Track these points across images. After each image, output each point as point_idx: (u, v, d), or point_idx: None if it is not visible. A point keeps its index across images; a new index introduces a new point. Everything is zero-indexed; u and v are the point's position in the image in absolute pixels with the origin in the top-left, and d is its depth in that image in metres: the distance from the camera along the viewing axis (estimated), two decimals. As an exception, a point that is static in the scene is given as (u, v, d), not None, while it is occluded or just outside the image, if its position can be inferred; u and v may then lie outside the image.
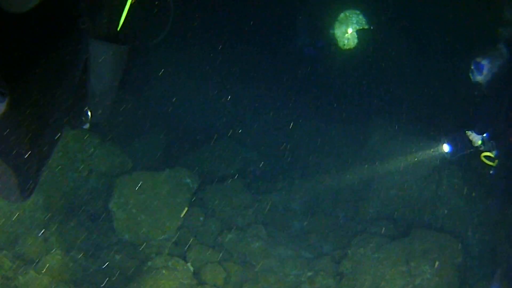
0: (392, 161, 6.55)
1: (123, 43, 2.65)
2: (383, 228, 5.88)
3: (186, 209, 5.96)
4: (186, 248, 5.61)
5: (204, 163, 7.15)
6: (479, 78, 4.71)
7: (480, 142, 4.69)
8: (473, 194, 6.00)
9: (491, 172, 4.67)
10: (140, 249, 5.60)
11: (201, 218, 6.08)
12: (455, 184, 6.28)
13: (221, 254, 5.54)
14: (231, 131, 7.61)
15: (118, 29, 2.61)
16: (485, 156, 4.66)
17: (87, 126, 2.86)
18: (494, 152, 4.60)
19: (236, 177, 6.89)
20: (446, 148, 5.00)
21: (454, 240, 5.46)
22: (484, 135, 4.65)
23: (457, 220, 6.04)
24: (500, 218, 4.53)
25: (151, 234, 5.77)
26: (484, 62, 4.63)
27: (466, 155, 5.03)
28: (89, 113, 2.56)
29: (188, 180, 6.24)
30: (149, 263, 5.30)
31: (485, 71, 4.66)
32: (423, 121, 7.01)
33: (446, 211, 6.13)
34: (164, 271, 5.12)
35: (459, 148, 4.89)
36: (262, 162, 7.55)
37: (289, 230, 6.25)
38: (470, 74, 4.78)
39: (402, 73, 7.90)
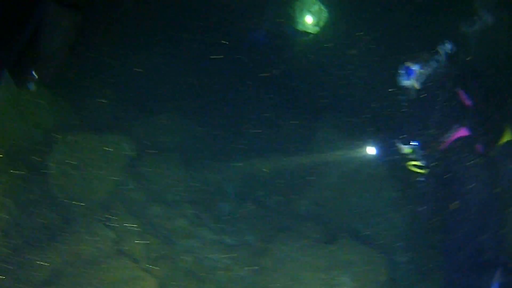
0: (332, 161, 6.62)
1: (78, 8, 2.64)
2: (311, 229, 5.88)
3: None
4: (111, 215, 5.56)
5: (148, 133, 7.12)
6: (406, 82, 4.80)
7: (409, 150, 4.71)
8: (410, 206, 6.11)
9: (420, 179, 4.70)
10: (69, 209, 5.59)
11: (132, 187, 6.09)
12: (391, 194, 6.45)
13: (144, 227, 5.52)
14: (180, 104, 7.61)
15: None
16: (414, 165, 4.69)
17: (32, 86, 2.86)
18: (422, 161, 4.63)
19: (176, 151, 6.92)
20: (373, 150, 5.08)
21: (382, 255, 5.47)
22: (414, 143, 4.63)
23: (388, 232, 6.12)
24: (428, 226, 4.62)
25: (81, 195, 5.76)
26: (414, 68, 4.75)
27: (396, 161, 5.03)
28: (34, 73, 2.57)
29: (127, 147, 6.23)
30: (74, 225, 5.31)
31: (413, 77, 4.75)
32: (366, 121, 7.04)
33: (378, 221, 6.26)
34: (86, 236, 5.15)
35: (385, 153, 4.98)
36: (206, 140, 7.59)
37: (217, 213, 6.23)
38: (398, 78, 4.87)
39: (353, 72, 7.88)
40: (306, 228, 5.91)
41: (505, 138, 4.47)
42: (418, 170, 4.68)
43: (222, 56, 7.55)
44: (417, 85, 4.73)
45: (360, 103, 7.42)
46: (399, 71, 4.86)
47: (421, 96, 4.61)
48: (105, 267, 4.86)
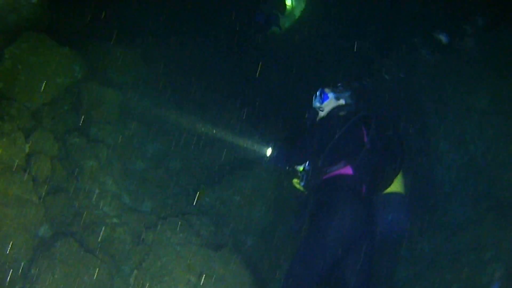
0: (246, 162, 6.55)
1: None
2: (204, 228, 5.86)
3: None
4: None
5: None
6: (317, 105, 5.01)
7: (301, 168, 4.87)
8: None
9: (299, 198, 4.94)
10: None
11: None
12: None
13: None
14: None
15: None
16: (297, 182, 4.88)
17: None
18: (304, 183, 4.76)
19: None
20: (268, 152, 5.15)
21: (251, 275, 5.55)
22: (306, 164, 4.80)
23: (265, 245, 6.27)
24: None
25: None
26: (330, 95, 4.96)
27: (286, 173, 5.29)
28: None
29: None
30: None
31: (325, 103, 4.96)
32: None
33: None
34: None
35: (277, 160, 5.06)
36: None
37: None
38: (313, 97, 5.05)
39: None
40: (198, 222, 5.88)
41: (391, 189, 4.68)
42: (299, 187, 4.84)
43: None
44: (325, 111, 4.93)
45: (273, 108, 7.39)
46: (316, 93, 5.04)
47: (324, 123, 4.77)
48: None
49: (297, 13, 8.90)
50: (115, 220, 5.51)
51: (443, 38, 6.91)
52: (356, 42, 7.44)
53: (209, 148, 6.39)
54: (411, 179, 5.64)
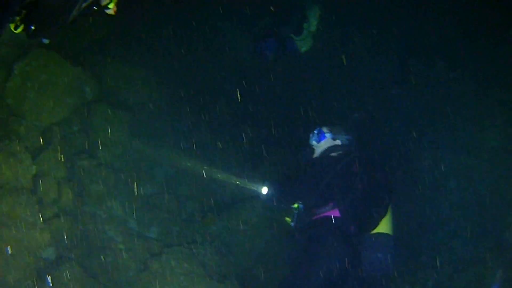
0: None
1: None
2: (209, 257, 5.81)
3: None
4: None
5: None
6: (314, 143, 5.11)
7: (296, 205, 4.98)
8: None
9: (289, 234, 5.09)
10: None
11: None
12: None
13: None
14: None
15: None
16: (287, 219, 5.03)
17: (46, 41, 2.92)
18: (292, 223, 4.95)
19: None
20: (264, 190, 5.22)
21: None
22: (299, 202, 4.94)
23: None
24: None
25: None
26: (327, 135, 5.07)
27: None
28: (33, 27, 2.64)
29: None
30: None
31: (322, 142, 5.06)
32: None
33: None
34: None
35: (271, 199, 5.17)
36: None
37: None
38: (310, 135, 5.14)
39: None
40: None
41: (377, 230, 4.73)
42: (289, 222, 4.99)
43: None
44: (320, 150, 5.05)
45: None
46: (313, 131, 5.15)
47: (317, 163, 4.95)
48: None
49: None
50: (120, 245, 5.42)
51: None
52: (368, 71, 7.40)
53: (218, 178, 6.29)
54: (405, 218, 5.71)
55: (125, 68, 6.46)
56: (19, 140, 5.13)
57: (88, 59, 6.07)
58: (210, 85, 7.08)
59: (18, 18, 2.64)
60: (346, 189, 4.62)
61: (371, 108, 7.12)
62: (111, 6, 2.93)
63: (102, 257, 5.23)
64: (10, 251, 4.67)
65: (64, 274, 4.87)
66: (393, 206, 4.84)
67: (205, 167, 6.04)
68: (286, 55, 7.18)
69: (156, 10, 6.66)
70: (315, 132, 5.11)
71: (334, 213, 4.60)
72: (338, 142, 5.04)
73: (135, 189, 5.85)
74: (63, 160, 5.46)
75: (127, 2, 3.10)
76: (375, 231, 4.73)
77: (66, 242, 5.14)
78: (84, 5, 2.79)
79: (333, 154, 4.91)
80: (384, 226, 4.77)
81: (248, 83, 6.98)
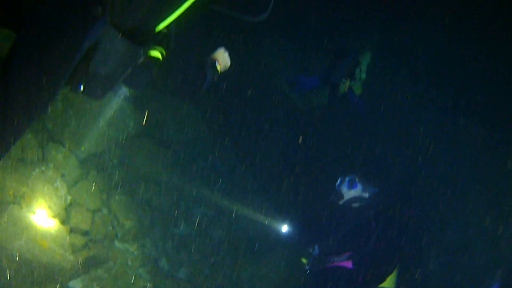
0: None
1: (141, 43, 2.74)
2: None
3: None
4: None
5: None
6: (344, 190, 5.13)
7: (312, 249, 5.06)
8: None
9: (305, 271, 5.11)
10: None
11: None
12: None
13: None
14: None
15: (157, 29, 2.76)
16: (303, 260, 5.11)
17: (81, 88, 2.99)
18: (307, 266, 5.03)
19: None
20: (284, 229, 5.45)
21: None
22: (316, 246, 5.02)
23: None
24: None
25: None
26: (359, 186, 5.11)
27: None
28: (82, 87, 2.77)
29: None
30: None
31: (352, 191, 5.10)
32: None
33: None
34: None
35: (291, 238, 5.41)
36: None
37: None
38: (341, 180, 5.19)
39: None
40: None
41: (385, 284, 4.78)
42: (306, 266, 5.07)
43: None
44: (347, 198, 5.11)
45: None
46: (344, 178, 5.21)
47: (340, 212, 5.05)
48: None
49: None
50: (149, 284, 5.27)
51: None
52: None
53: (254, 221, 6.18)
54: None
55: (172, 104, 6.38)
56: (56, 167, 5.08)
57: (134, 92, 6.06)
58: (256, 129, 6.96)
59: None
60: (362, 243, 4.75)
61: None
62: (158, 55, 2.95)
63: (129, 294, 5.08)
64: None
65: (89, 307, 4.76)
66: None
67: (242, 210, 5.94)
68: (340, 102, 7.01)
69: (204, 44, 6.63)
70: (348, 179, 5.14)
71: (348, 264, 4.74)
72: (365, 195, 5.09)
73: (171, 229, 5.73)
74: (99, 192, 5.37)
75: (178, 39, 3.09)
76: (380, 285, 4.80)
77: (94, 275, 5.01)
78: (128, 70, 2.91)
79: (355, 205, 5.02)
80: (388, 281, 4.82)
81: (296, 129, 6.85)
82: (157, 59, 2.97)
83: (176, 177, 6.07)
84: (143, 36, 2.77)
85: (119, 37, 2.64)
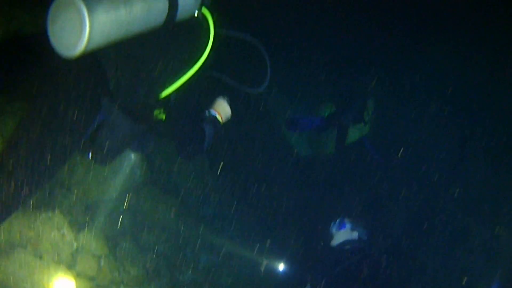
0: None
1: (144, 120, 2.92)
2: None
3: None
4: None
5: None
6: (333, 231, 5.36)
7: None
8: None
9: None
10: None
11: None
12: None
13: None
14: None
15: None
16: None
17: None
18: None
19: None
20: (281, 267, 5.79)
21: None
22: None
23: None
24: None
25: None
26: (347, 226, 5.34)
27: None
28: (90, 155, 3.08)
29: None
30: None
31: (341, 231, 5.34)
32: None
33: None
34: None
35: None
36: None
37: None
38: (333, 223, 5.45)
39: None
40: None
41: None
42: None
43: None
44: (336, 240, 5.33)
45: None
46: (335, 220, 5.47)
47: (330, 254, 5.26)
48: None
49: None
50: (153, 331, 5.21)
51: None
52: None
53: (257, 265, 6.16)
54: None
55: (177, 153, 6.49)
56: (63, 213, 5.14)
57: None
58: (260, 175, 7.04)
59: None
60: (351, 283, 4.85)
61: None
62: (162, 117, 3.14)
63: None
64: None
65: None
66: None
67: (247, 254, 5.95)
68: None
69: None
70: (337, 221, 5.40)
71: None
72: (355, 235, 5.28)
73: (176, 276, 5.72)
74: (105, 238, 5.41)
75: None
76: None
77: (98, 321, 5.00)
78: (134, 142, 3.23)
79: (347, 247, 5.19)
80: None
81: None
82: (161, 120, 3.13)
83: (182, 223, 6.12)
84: (146, 111, 3.02)
85: (124, 117, 2.90)
